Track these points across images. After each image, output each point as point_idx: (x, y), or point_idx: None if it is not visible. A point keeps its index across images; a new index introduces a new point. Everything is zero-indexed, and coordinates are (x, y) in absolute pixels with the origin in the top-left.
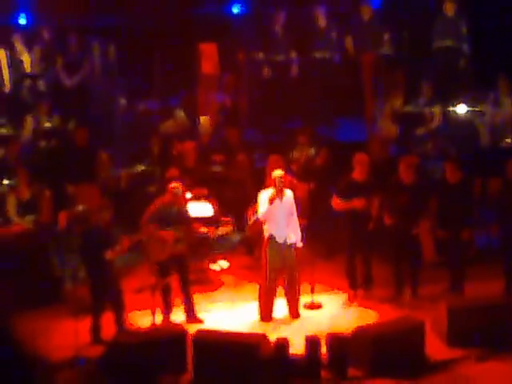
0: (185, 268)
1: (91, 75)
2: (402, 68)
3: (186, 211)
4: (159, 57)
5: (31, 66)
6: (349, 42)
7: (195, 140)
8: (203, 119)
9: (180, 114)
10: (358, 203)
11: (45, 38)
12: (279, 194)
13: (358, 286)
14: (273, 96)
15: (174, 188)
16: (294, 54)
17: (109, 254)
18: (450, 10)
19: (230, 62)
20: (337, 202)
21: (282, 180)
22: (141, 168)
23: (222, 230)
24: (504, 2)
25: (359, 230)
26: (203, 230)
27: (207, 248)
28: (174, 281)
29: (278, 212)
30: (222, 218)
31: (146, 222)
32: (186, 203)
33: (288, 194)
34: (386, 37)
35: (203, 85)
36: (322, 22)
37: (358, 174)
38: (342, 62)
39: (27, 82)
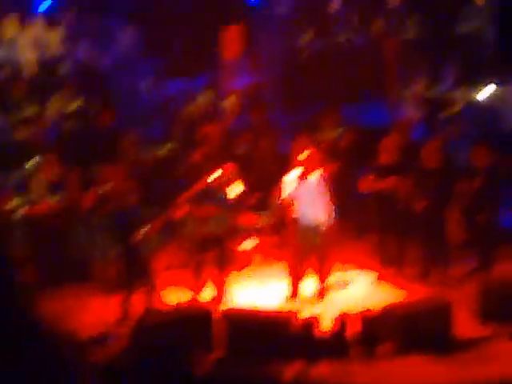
0: (223, 247)
1: (115, 58)
2: (425, 52)
3: (231, 196)
4: (183, 39)
5: (56, 48)
6: (375, 25)
7: (219, 123)
8: (227, 101)
9: (204, 96)
10: (385, 185)
11: (68, 19)
12: (307, 174)
13: (387, 264)
14: (297, 79)
15: (224, 171)
16: (318, 37)
17: (140, 234)
18: None
19: (254, 45)
20: (366, 184)
21: (310, 161)
22: (166, 149)
23: (261, 221)
24: None
25: (388, 212)
26: (244, 218)
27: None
28: (207, 258)
29: (305, 193)
30: (248, 200)
31: (188, 199)
32: (231, 188)
33: (316, 174)
34: (412, 21)
35: (227, 68)
36: (337, 4)
37: (386, 157)
38: (366, 46)
39: (52, 64)
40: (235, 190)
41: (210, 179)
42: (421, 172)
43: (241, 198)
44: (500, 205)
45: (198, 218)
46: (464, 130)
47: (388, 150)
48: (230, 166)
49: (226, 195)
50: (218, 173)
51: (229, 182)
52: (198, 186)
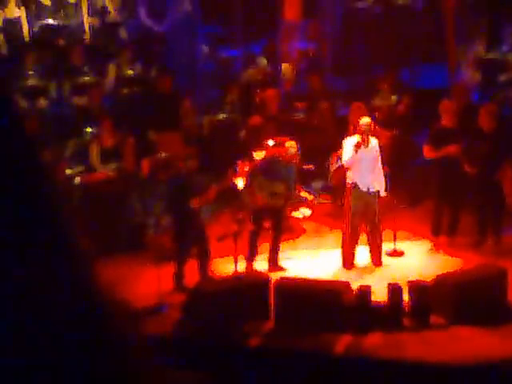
0: (279, 217)
1: (173, 23)
2: (485, 14)
3: (294, 169)
4: (241, 4)
5: (114, 13)
6: None
7: (277, 87)
8: (285, 66)
9: (262, 61)
10: (452, 149)
11: None
12: (365, 141)
13: (441, 233)
14: (355, 43)
15: (289, 147)
16: (377, 2)
17: (195, 202)
18: None
19: (313, 8)
20: (429, 150)
21: (369, 127)
22: (223, 115)
23: (320, 200)
24: None
25: (450, 177)
26: (303, 194)
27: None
28: (263, 228)
29: (362, 160)
30: (304, 166)
31: (252, 169)
32: (294, 162)
33: (373, 141)
34: None
35: (286, 32)
36: None
37: (447, 121)
38: (425, 8)
39: (109, 30)
40: (293, 161)
41: (268, 149)
42: (477, 136)
43: (298, 168)
44: None
45: (255, 188)
46: None
47: (448, 114)
48: (289, 140)
49: (290, 169)
50: (276, 144)
51: (287, 155)
52: (255, 157)
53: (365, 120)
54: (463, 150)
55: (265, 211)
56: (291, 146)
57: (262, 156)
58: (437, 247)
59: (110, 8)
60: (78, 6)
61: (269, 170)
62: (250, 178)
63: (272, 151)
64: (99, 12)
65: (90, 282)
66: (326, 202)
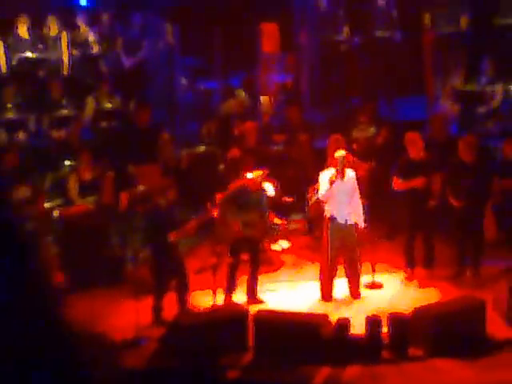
0: (256, 249)
1: (152, 56)
2: (463, 46)
3: (265, 199)
4: (220, 37)
5: (94, 46)
6: (426, 18)
7: (256, 120)
8: (264, 99)
9: (241, 93)
10: (418, 182)
11: (104, 19)
12: (341, 173)
13: (415, 264)
14: (333, 75)
15: (258, 177)
16: (354, 34)
17: (173, 235)
18: None
19: (291, 41)
20: (397, 183)
21: (345, 160)
22: (202, 148)
23: (293, 226)
24: None
25: (420, 209)
26: (276, 221)
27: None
28: (241, 260)
29: (339, 192)
30: (284, 198)
31: (222, 201)
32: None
33: (350, 174)
34: (463, 15)
35: (264, 64)
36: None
37: (414, 153)
38: (403, 40)
39: (88, 63)
40: (269, 192)
41: (245, 181)
42: (456, 167)
43: (275, 199)
44: None
45: (233, 220)
46: (502, 125)
47: (413, 146)
48: (264, 170)
49: (260, 197)
50: (253, 175)
51: (263, 186)
52: (233, 188)
53: (339, 153)
54: (444, 182)
55: (242, 243)
56: (257, 174)
57: (232, 187)
58: (410, 278)
59: (92, 40)
60: (57, 39)
61: (239, 201)
62: (221, 209)
63: (240, 182)
64: (80, 45)
65: (61, 315)
66: (298, 226)
